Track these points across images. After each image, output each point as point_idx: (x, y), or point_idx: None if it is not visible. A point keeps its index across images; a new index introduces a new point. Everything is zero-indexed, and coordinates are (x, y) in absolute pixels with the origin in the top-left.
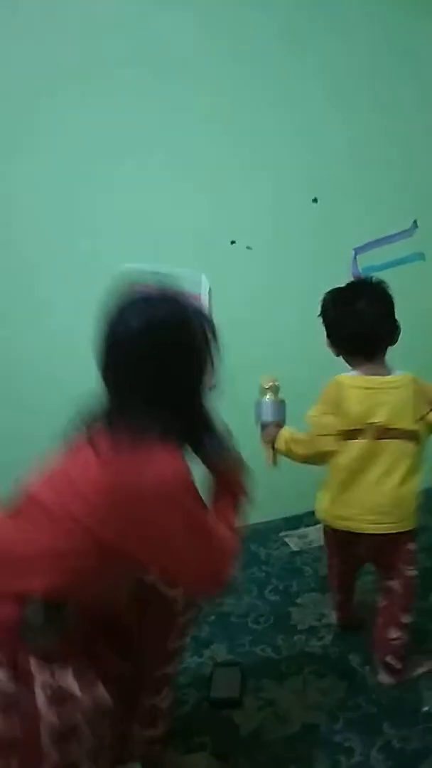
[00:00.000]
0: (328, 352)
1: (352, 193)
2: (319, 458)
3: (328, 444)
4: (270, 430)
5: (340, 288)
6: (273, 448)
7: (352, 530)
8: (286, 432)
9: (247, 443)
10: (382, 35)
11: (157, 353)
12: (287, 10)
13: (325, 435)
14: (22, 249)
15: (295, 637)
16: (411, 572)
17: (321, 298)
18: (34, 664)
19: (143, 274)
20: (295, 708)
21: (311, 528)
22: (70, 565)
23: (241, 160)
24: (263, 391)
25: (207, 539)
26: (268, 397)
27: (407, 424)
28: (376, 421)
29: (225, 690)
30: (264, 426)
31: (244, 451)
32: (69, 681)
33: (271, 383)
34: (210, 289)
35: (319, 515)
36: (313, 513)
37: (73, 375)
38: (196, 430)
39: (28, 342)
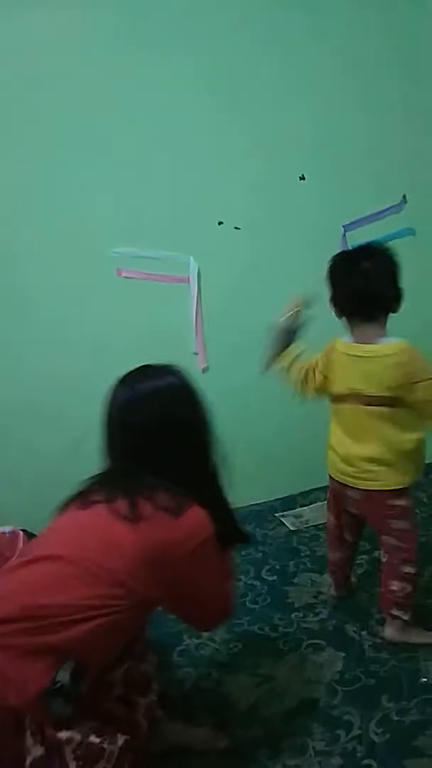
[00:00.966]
0: (316, 331)
1: (340, 170)
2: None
3: (306, 393)
4: (277, 339)
5: (348, 250)
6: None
7: (339, 480)
8: (292, 353)
9: (242, 429)
10: (374, 14)
11: (168, 418)
12: None
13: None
14: (7, 234)
15: (293, 615)
16: (403, 525)
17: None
18: (58, 730)
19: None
20: (294, 683)
21: (307, 508)
22: (102, 621)
23: (227, 139)
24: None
25: (227, 583)
26: (283, 318)
27: (381, 391)
28: (353, 387)
29: None
30: (274, 335)
31: (239, 437)
32: (93, 739)
33: (295, 308)
34: (199, 271)
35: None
36: (308, 493)
37: (60, 365)
38: (205, 488)
39: (14, 331)
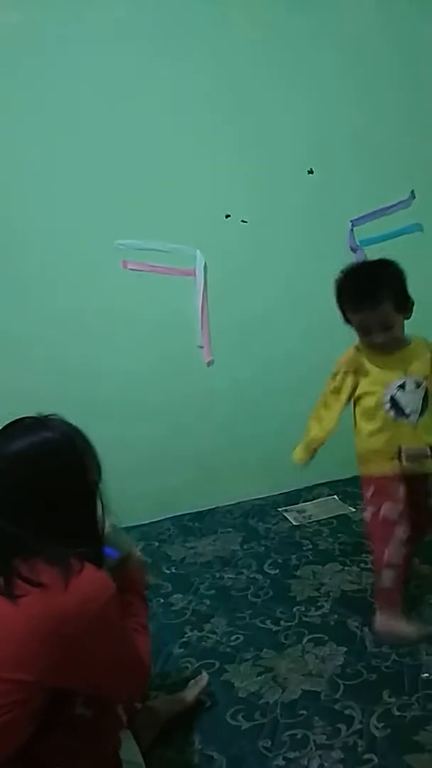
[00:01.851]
0: (320, 323)
1: (349, 164)
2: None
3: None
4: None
5: (348, 273)
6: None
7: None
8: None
9: (247, 423)
10: (384, 12)
11: (46, 476)
12: None
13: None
14: (14, 226)
15: (295, 609)
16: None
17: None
18: None
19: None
20: (295, 676)
21: (310, 503)
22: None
23: (235, 132)
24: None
25: (133, 647)
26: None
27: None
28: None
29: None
30: None
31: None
32: None
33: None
34: (205, 264)
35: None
36: (312, 488)
37: (67, 353)
38: (94, 545)
39: (20, 320)
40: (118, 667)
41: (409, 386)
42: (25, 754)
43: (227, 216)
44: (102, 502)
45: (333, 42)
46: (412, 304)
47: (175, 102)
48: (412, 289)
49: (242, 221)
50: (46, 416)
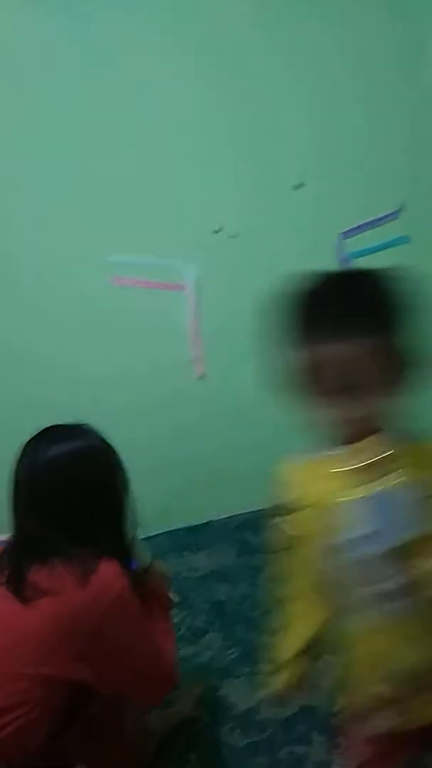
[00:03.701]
0: None
1: (337, 178)
2: None
3: None
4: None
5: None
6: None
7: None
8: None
9: (240, 436)
10: (374, 26)
11: (79, 481)
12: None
13: None
14: (4, 242)
15: None
16: None
17: None
18: None
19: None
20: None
21: None
22: (18, 723)
23: (227, 146)
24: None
25: (163, 643)
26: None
27: None
28: None
29: None
30: None
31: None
32: None
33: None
34: (196, 279)
35: None
36: None
37: (64, 364)
38: (119, 552)
39: (13, 336)
40: (139, 661)
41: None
42: (47, 753)
43: (217, 231)
44: (130, 512)
45: (326, 54)
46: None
47: (164, 113)
48: None
49: (229, 237)
50: (79, 424)
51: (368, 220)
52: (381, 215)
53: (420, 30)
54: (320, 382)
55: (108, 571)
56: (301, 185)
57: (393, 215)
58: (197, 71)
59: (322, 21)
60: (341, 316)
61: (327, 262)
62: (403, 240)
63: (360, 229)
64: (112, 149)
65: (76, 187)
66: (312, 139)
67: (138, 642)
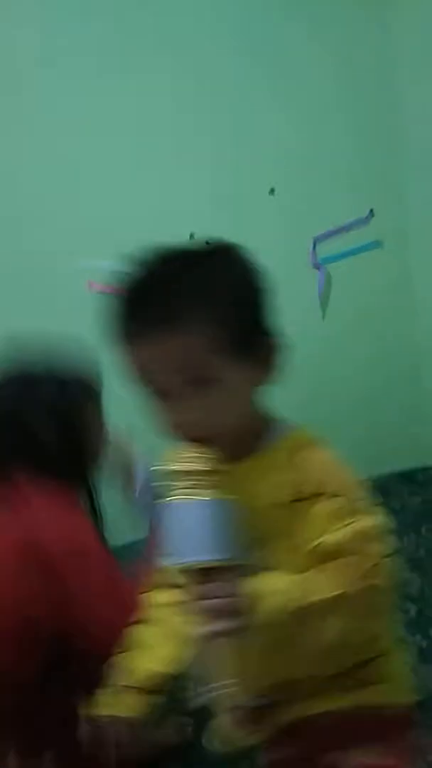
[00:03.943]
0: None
1: (309, 184)
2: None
3: None
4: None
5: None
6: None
7: None
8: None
9: None
10: (346, 32)
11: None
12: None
13: None
14: None
15: None
16: None
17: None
18: None
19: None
20: None
21: None
22: None
23: (198, 152)
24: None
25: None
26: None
27: None
28: None
29: None
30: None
31: None
32: None
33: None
34: None
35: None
36: None
37: None
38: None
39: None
40: (107, 594)
41: None
42: (24, 727)
43: (191, 236)
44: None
45: (302, 62)
46: (275, 341)
47: (136, 117)
48: (370, 305)
49: (206, 242)
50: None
51: (339, 225)
52: (352, 220)
53: (393, 36)
54: (152, 383)
55: (80, 519)
56: (272, 191)
57: (363, 221)
58: (172, 77)
59: (297, 27)
60: (161, 306)
61: (300, 267)
62: (375, 245)
63: (331, 234)
64: (85, 155)
65: (44, 190)
66: (284, 145)
67: (95, 601)
